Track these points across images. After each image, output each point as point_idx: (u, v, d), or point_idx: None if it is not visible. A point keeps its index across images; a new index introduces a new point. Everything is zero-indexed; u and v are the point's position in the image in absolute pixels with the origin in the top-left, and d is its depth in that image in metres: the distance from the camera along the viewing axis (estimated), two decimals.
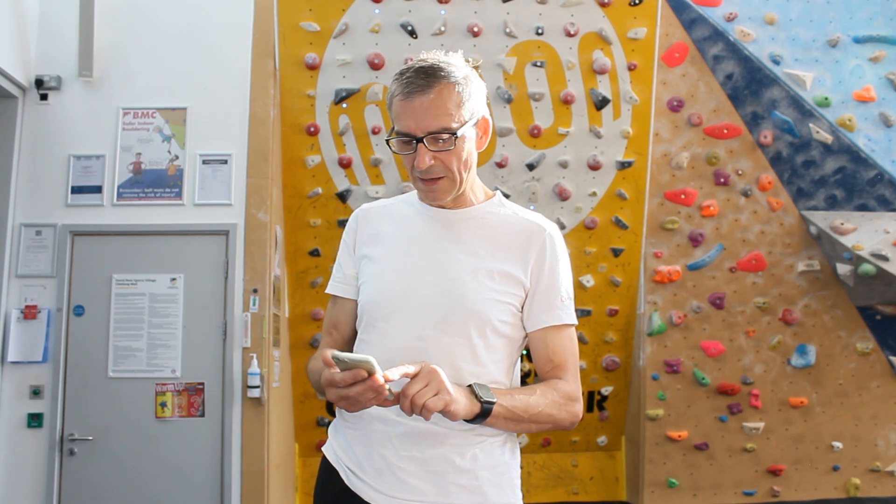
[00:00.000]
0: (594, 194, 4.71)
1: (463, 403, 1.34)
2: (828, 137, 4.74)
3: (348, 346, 1.62)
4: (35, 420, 3.99)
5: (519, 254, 1.53)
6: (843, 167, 4.77)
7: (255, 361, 4.04)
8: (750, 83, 4.76)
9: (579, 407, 1.52)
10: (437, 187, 1.50)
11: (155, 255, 4.17)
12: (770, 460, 4.87)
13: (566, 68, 4.53)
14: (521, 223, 1.57)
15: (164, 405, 4.06)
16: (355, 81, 4.45)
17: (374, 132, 4.51)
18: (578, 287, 4.72)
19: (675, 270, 4.84)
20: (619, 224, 4.75)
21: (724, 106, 4.79)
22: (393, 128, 1.49)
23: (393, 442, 1.46)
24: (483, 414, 1.38)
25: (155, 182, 4.24)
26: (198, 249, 4.20)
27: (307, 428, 4.78)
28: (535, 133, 4.58)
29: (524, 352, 1.59)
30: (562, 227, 4.68)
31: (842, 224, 4.70)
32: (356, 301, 1.60)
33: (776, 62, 4.74)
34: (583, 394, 4.91)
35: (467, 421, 1.39)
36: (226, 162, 4.25)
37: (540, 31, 4.47)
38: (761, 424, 4.85)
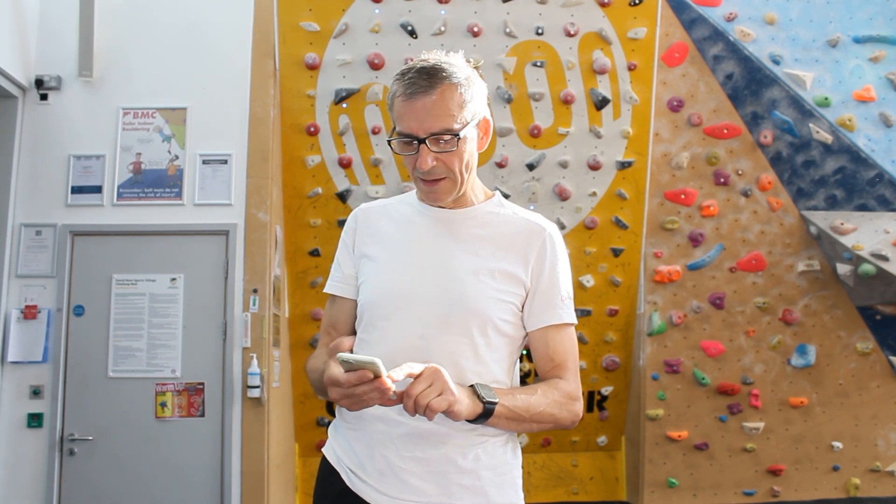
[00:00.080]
0: (594, 194, 4.71)
1: (466, 403, 1.35)
2: (828, 137, 4.74)
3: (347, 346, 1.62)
4: (35, 420, 3.99)
5: (519, 253, 1.54)
6: (843, 167, 4.77)
7: (255, 361, 4.04)
8: (750, 83, 4.76)
9: (580, 406, 1.53)
10: (438, 188, 1.50)
11: (155, 255, 4.17)
12: (770, 460, 4.87)
13: (566, 68, 4.53)
14: (521, 223, 1.58)
15: (164, 405, 4.06)
16: (355, 81, 4.45)
17: (374, 132, 4.51)
18: (578, 287, 4.72)
19: (675, 270, 4.84)
20: (619, 224, 4.75)
21: (724, 106, 4.79)
22: (394, 128, 1.49)
23: (395, 442, 1.45)
24: (485, 414, 1.38)
25: (155, 182, 4.24)
26: (198, 249, 4.20)
27: (307, 428, 4.78)
28: (535, 133, 4.58)
29: (524, 351, 1.59)
30: (562, 227, 4.69)
31: (842, 224, 4.70)
32: (355, 301, 1.60)
33: (776, 62, 4.74)
34: (583, 394, 4.92)
35: (469, 421, 1.39)
36: (226, 162, 4.25)
37: (540, 31, 4.47)
38: (761, 424, 4.85)
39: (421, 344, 1.46)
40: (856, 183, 4.78)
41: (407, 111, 1.44)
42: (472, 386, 1.40)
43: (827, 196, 4.83)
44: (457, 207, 1.57)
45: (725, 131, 4.81)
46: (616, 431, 5.09)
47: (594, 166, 4.65)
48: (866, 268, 4.56)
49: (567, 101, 4.55)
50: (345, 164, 4.55)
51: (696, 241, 4.84)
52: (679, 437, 4.84)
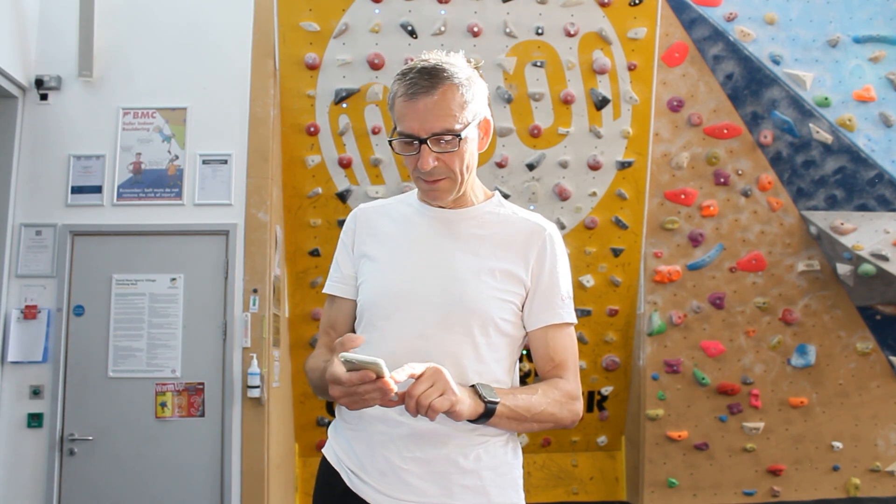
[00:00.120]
0: (594, 194, 4.71)
1: (468, 403, 1.34)
2: (828, 137, 4.74)
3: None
4: (35, 420, 3.99)
5: (519, 253, 1.54)
6: (843, 167, 4.77)
7: (255, 361, 4.04)
8: (750, 83, 4.76)
9: (580, 405, 1.53)
10: (439, 187, 1.50)
11: (155, 255, 4.17)
12: (770, 460, 4.87)
13: (566, 68, 4.53)
14: (520, 223, 1.58)
15: (164, 405, 4.06)
16: (355, 81, 4.45)
17: (374, 132, 4.51)
18: (578, 287, 4.72)
19: (675, 270, 4.84)
20: (619, 224, 4.75)
21: (724, 106, 4.79)
22: (395, 128, 1.49)
23: (396, 443, 1.45)
24: (487, 414, 1.38)
25: (155, 182, 4.24)
26: (198, 249, 4.20)
27: (307, 428, 4.78)
28: (535, 133, 4.58)
29: (524, 351, 1.59)
30: (562, 227, 4.68)
31: (842, 224, 4.70)
32: (354, 301, 1.60)
33: (776, 62, 4.74)
34: (583, 394, 4.93)
35: (471, 421, 1.39)
36: (226, 162, 4.25)
37: (540, 31, 4.47)
38: (761, 424, 4.85)
39: (422, 343, 1.46)
40: (856, 183, 4.78)
41: (408, 111, 1.44)
42: (473, 386, 1.40)
43: (827, 196, 4.83)
44: (457, 207, 1.57)
45: (725, 131, 4.81)
46: (616, 431, 5.09)
47: (594, 166, 4.65)
48: (866, 268, 4.56)
49: (567, 101, 4.55)
50: (345, 164, 4.55)
51: (696, 241, 4.84)
52: (679, 437, 4.84)
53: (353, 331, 1.60)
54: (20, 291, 4.09)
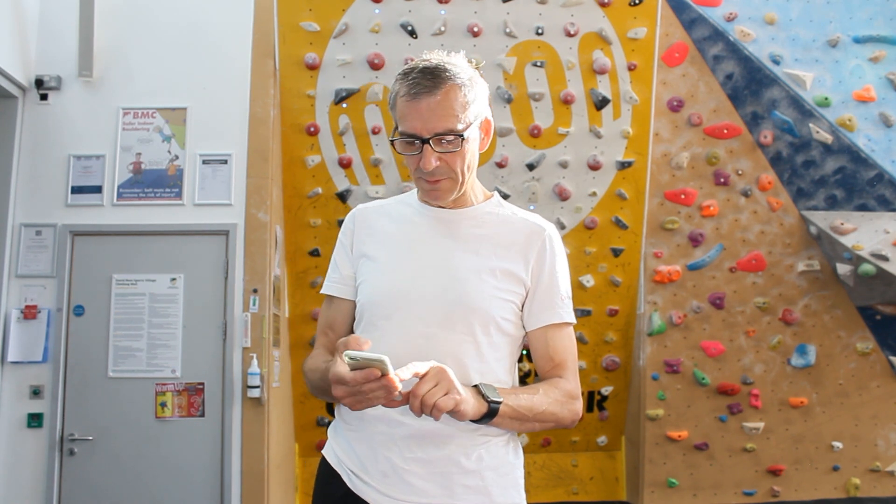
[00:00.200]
0: (594, 194, 4.71)
1: (471, 403, 1.34)
2: (828, 137, 4.74)
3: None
4: (35, 420, 3.99)
5: (520, 253, 1.54)
6: (843, 167, 4.77)
7: (255, 361, 4.04)
8: (750, 83, 4.76)
9: (580, 405, 1.54)
10: (440, 188, 1.50)
11: (155, 255, 4.17)
12: (770, 460, 4.87)
13: (566, 68, 4.53)
14: (520, 223, 1.58)
15: (164, 405, 4.06)
16: (355, 81, 4.45)
17: (374, 132, 4.51)
18: (578, 287, 4.72)
19: (675, 270, 4.84)
20: (619, 224, 4.75)
21: (724, 106, 4.79)
22: (396, 128, 1.49)
23: (397, 444, 1.45)
24: (490, 413, 1.38)
25: (155, 182, 4.24)
26: (198, 249, 4.20)
27: (307, 428, 4.78)
28: (535, 133, 4.58)
29: (524, 351, 1.60)
30: (562, 227, 4.69)
31: (842, 224, 4.70)
32: (353, 301, 1.60)
33: (776, 62, 4.74)
34: (583, 394, 4.93)
35: (474, 421, 1.38)
36: (226, 162, 4.25)
37: (540, 31, 4.47)
38: (761, 424, 4.85)
39: (423, 343, 1.46)
40: (856, 183, 4.78)
41: (411, 111, 1.44)
42: (475, 385, 1.40)
43: (827, 196, 4.83)
44: (456, 207, 1.57)
45: (725, 131, 4.81)
46: (616, 431, 5.09)
47: (594, 166, 4.65)
48: (866, 268, 4.56)
49: (567, 101, 4.55)
50: (345, 164, 4.55)
51: (696, 241, 4.84)
52: (679, 437, 4.84)
53: (352, 331, 1.60)
54: (20, 291, 4.09)
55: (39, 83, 4.23)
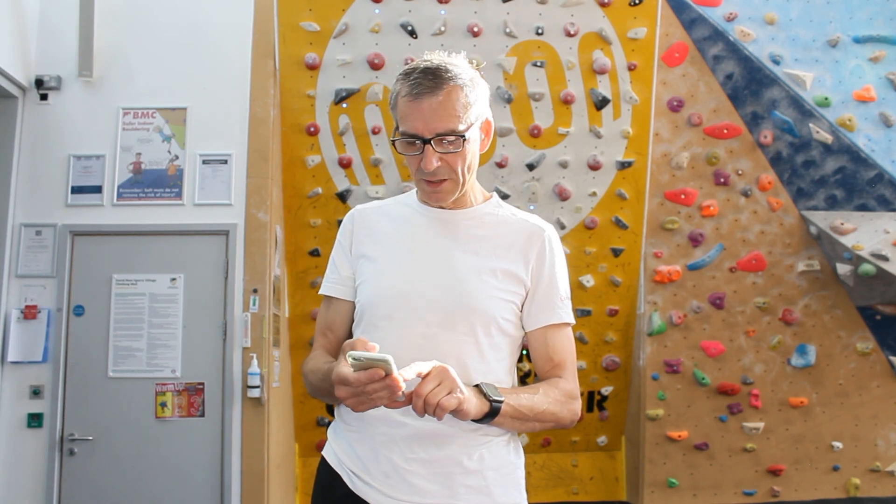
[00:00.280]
0: (594, 194, 4.71)
1: (474, 403, 1.34)
2: (828, 137, 4.74)
3: None
4: (35, 420, 3.99)
5: (519, 253, 1.55)
6: (843, 167, 4.77)
7: (255, 361, 4.04)
8: (750, 83, 4.76)
9: (579, 405, 1.54)
10: (441, 188, 1.50)
11: (155, 255, 4.17)
12: (770, 460, 4.87)
13: (566, 68, 4.53)
14: (519, 224, 1.59)
15: (164, 405, 4.06)
16: (355, 81, 4.45)
17: (374, 132, 4.51)
18: (578, 287, 4.72)
19: (675, 270, 4.84)
20: (619, 224, 4.75)
21: (724, 106, 4.79)
22: (397, 128, 1.49)
23: (399, 444, 1.45)
24: (492, 413, 1.38)
25: (155, 182, 4.24)
26: (198, 249, 4.20)
27: (307, 428, 4.78)
28: (535, 133, 4.58)
29: (524, 351, 1.60)
30: (562, 227, 4.69)
31: (842, 224, 4.70)
32: (352, 302, 1.60)
33: (776, 62, 4.74)
34: (583, 394, 4.94)
35: (475, 420, 1.39)
36: (226, 162, 4.25)
37: (540, 31, 4.47)
38: (761, 424, 4.85)
39: (425, 343, 1.46)
40: (856, 183, 4.78)
41: (412, 111, 1.44)
42: (477, 385, 1.40)
43: (827, 196, 4.83)
44: (456, 208, 1.57)
45: (725, 131, 4.81)
46: (616, 431, 5.09)
47: (594, 166, 4.65)
48: (866, 268, 4.56)
49: (567, 101, 4.55)
50: (345, 164, 4.55)
51: (696, 241, 4.84)
52: (679, 437, 4.84)
53: (351, 332, 1.60)
54: (20, 291, 4.09)
55: (39, 83, 4.23)
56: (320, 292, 1.64)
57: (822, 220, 4.78)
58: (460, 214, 1.57)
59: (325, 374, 1.45)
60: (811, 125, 4.74)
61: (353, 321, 1.60)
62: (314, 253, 4.63)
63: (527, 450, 4.77)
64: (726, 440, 4.86)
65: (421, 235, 1.56)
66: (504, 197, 4.47)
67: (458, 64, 1.49)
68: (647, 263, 4.84)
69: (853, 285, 4.72)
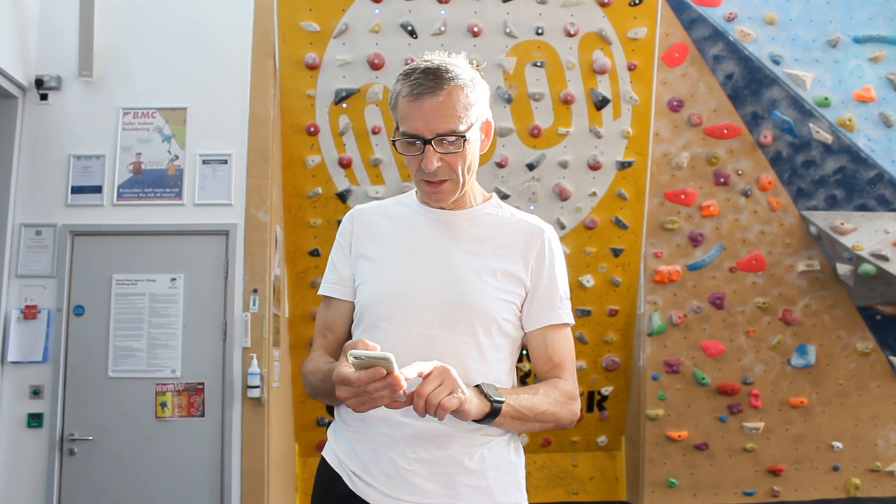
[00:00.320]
0: (594, 194, 4.71)
1: (475, 403, 1.34)
2: (828, 137, 4.74)
3: (343, 348, 1.60)
4: (35, 420, 3.99)
5: (519, 254, 1.55)
6: (843, 167, 4.77)
7: (255, 361, 4.04)
8: (750, 83, 4.76)
9: (578, 405, 1.54)
10: (441, 189, 1.50)
11: (155, 255, 4.17)
12: (770, 460, 4.87)
13: (566, 68, 4.53)
14: (519, 224, 1.59)
15: (164, 405, 4.06)
16: (355, 81, 4.45)
17: (375, 132, 4.51)
18: (578, 287, 4.72)
19: (675, 270, 4.84)
20: (619, 224, 4.75)
21: (724, 106, 4.79)
22: (397, 128, 1.49)
23: (400, 444, 1.45)
24: (493, 413, 1.38)
25: (155, 182, 4.24)
26: (198, 249, 4.20)
27: (307, 428, 4.78)
28: (535, 133, 4.58)
29: (523, 351, 1.60)
30: (562, 227, 4.69)
31: (842, 224, 4.70)
32: (351, 303, 1.59)
33: (776, 62, 4.74)
34: (583, 394, 4.94)
35: (476, 421, 1.38)
36: (226, 162, 4.25)
37: (540, 31, 4.47)
38: (761, 424, 4.85)
39: (425, 344, 1.45)
40: (856, 183, 4.78)
41: (413, 111, 1.44)
42: (477, 385, 1.40)
43: (827, 196, 4.83)
44: (456, 208, 1.57)
45: (725, 131, 4.81)
46: (616, 431, 5.09)
47: (594, 166, 4.65)
48: (866, 268, 4.56)
49: (567, 101, 4.55)
50: (345, 164, 4.55)
51: (696, 241, 4.84)
52: (679, 437, 4.84)
53: (351, 332, 1.60)
54: (20, 291, 4.09)
55: (39, 83, 4.23)
56: (319, 293, 1.64)
57: (822, 220, 4.78)
58: (460, 215, 1.57)
59: (325, 374, 1.45)
60: (811, 125, 4.74)
61: (352, 322, 1.60)
62: (314, 253, 4.63)
63: (527, 450, 4.77)
64: (726, 440, 4.86)
65: (421, 236, 1.56)
66: (504, 197, 4.47)
67: (459, 64, 1.49)
68: (647, 263, 4.84)
69: (853, 285, 4.72)
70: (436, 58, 1.49)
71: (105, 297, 4.11)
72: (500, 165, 4.60)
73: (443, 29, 4.42)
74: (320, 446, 1.69)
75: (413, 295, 1.50)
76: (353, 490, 1.48)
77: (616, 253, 4.79)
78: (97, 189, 4.20)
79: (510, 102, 4.54)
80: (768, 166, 4.84)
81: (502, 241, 1.55)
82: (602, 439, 5.05)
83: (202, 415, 4.07)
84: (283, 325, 4.50)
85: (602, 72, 4.53)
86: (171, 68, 4.31)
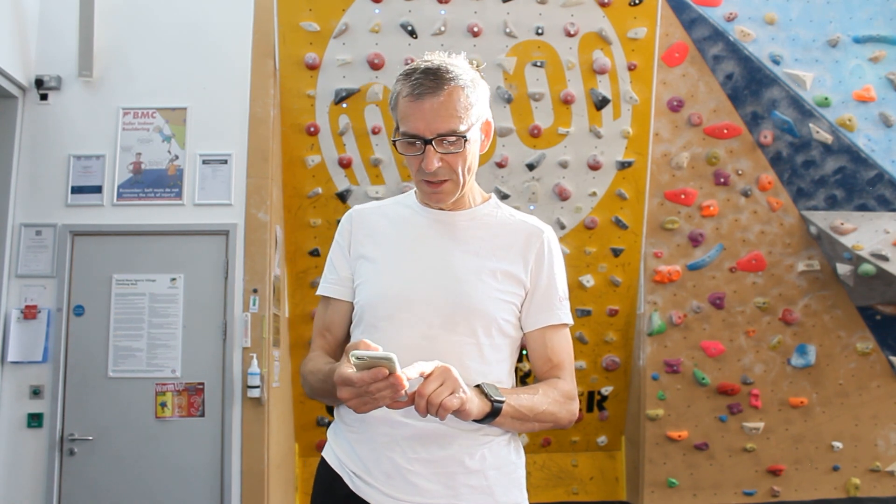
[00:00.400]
0: (594, 194, 4.71)
1: (476, 403, 1.35)
2: (828, 137, 4.74)
3: (342, 348, 1.60)
4: (35, 420, 3.99)
5: (519, 254, 1.55)
6: (843, 167, 4.77)
7: (255, 361, 4.04)
8: (750, 83, 4.76)
9: (577, 405, 1.55)
10: (442, 189, 1.50)
11: (155, 255, 4.17)
12: (770, 460, 4.87)
13: (566, 68, 4.53)
14: (518, 224, 1.59)
15: (164, 405, 4.06)
16: (355, 81, 4.45)
17: (374, 132, 4.51)
18: (578, 287, 4.72)
19: (675, 270, 4.84)
20: (619, 224, 4.75)
21: (724, 106, 4.79)
22: (397, 128, 1.49)
23: (401, 444, 1.45)
24: (493, 413, 1.38)
25: (155, 182, 4.24)
26: (198, 249, 4.20)
27: (307, 428, 4.78)
28: (535, 133, 4.58)
29: (523, 351, 1.60)
30: (562, 227, 4.69)
31: (842, 224, 4.70)
32: (350, 303, 1.59)
33: (776, 62, 4.74)
34: (583, 394, 4.94)
35: (476, 421, 1.39)
36: (226, 162, 4.25)
37: (540, 31, 4.47)
38: (761, 424, 4.85)
39: (425, 344, 1.45)
40: (856, 183, 4.78)
41: (413, 112, 1.44)
42: (478, 385, 1.40)
43: (827, 196, 4.83)
44: (455, 209, 1.57)
45: (725, 131, 4.81)
46: (616, 431, 5.09)
47: (594, 166, 4.65)
48: (866, 268, 4.56)
49: (567, 101, 4.55)
50: (345, 164, 4.55)
51: (696, 241, 4.84)
52: (679, 437, 4.84)
53: (350, 333, 1.60)
54: (20, 291, 4.09)
55: (39, 83, 4.23)
56: (318, 293, 1.64)
57: (822, 220, 4.78)
58: (459, 215, 1.57)
59: (325, 374, 1.45)
60: (811, 125, 4.74)
61: (351, 322, 1.60)
62: (314, 253, 4.63)
63: (527, 450, 4.77)
64: (726, 440, 4.86)
65: (421, 236, 1.56)
66: (504, 197, 4.47)
67: (459, 64, 1.49)
68: (647, 263, 4.84)
69: (853, 285, 4.72)
70: (436, 58, 1.49)
71: (105, 297, 4.11)
72: (500, 165, 4.60)
73: (443, 29, 4.42)
74: (320, 446, 1.69)
75: (413, 295, 1.50)
76: (354, 490, 1.47)
77: (616, 253, 4.79)
78: (97, 189, 4.20)
79: (510, 102, 4.54)
80: (768, 166, 4.84)
81: (502, 242, 1.55)
82: (602, 439, 5.05)
83: (202, 415, 4.07)
84: (283, 325, 4.50)
85: (602, 72, 4.53)
86: (171, 68, 4.31)
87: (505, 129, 4.56)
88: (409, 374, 1.26)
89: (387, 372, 1.24)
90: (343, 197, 4.58)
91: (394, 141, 1.51)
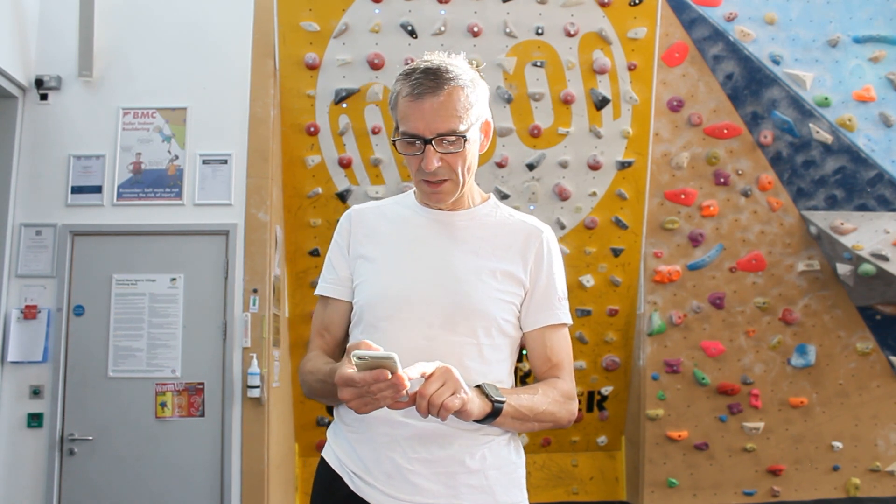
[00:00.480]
0: (594, 194, 4.71)
1: (477, 403, 1.35)
2: (828, 137, 4.74)
3: (341, 348, 1.60)
4: (35, 420, 3.99)
5: (518, 254, 1.55)
6: (843, 167, 4.77)
7: (255, 361, 4.04)
8: (750, 83, 4.76)
9: (576, 405, 1.55)
10: (441, 189, 1.50)
11: (155, 255, 4.17)
12: (770, 460, 4.87)
13: (566, 68, 4.53)
14: (517, 224, 1.59)
15: (164, 405, 4.06)
16: (355, 81, 4.45)
17: (374, 132, 4.51)
18: (578, 287, 4.72)
19: (675, 270, 4.84)
20: (619, 224, 4.75)
21: (724, 106, 4.79)
22: (397, 128, 1.49)
23: (401, 444, 1.45)
24: (494, 413, 1.38)
25: (155, 182, 4.24)
26: (198, 249, 4.20)
27: (307, 428, 4.78)
28: (535, 133, 4.58)
29: (523, 351, 1.60)
30: (562, 227, 4.69)
31: (842, 224, 4.70)
32: (349, 303, 1.59)
33: (776, 62, 4.74)
34: (583, 394, 4.94)
35: (477, 421, 1.39)
36: (226, 162, 4.25)
37: (540, 31, 4.47)
38: (761, 424, 4.85)
39: (426, 344, 1.45)
40: (856, 183, 4.78)
41: (413, 111, 1.44)
42: (478, 386, 1.40)
43: (827, 196, 4.83)
44: (454, 209, 1.57)
45: (725, 131, 4.81)
46: (616, 431, 5.09)
47: (594, 166, 4.65)
48: (866, 268, 4.56)
49: (567, 101, 4.55)
50: (345, 164, 4.55)
51: (696, 241, 4.84)
52: (679, 437, 4.84)
53: (349, 333, 1.59)
54: (20, 291, 4.09)
55: (39, 83, 4.23)
56: (317, 293, 1.64)
57: (822, 220, 4.78)
58: (459, 215, 1.57)
59: (325, 375, 1.45)
60: (811, 125, 4.74)
61: (350, 322, 1.60)
62: (314, 253, 4.63)
63: (527, 450, 4.76)
64: (726, 440, 4.86)
65: (420, 236, 1.56)
66: (504, 197, 4.47)
67: (459, 64, 1.49)
68: (647, 263, 4.84)
69: (853, 285, 4.72)
70: (436, 58, 1.49)
71: (105, 297, 4.11)
72: (500, 165, 4.60)
73: (443, 29, 4.42)
74: (320, 446, 1.68)
75: (413, 296, 1.50)
76: (354, 490, 1.47)
77: (616, 253, 4.79)
78: (97, 189, 4.20)
79: (510, 102, 4.54)
80: (768, 166, 4.84)
81: (501, 242, 1.55)
82: (602, 439, 5.05)
83: (202, 415, 4.07)
84: (283, 325, 4.50)
85: (602, 72, 4.53)
86: (171, 68, 4.31)
87: (505, 129, 4.56)
88: (410, 375, 1.26)
89: (389, 374, 1.23)
90: (343, 197, 4.58)
91: (393, 141, 1.51)
